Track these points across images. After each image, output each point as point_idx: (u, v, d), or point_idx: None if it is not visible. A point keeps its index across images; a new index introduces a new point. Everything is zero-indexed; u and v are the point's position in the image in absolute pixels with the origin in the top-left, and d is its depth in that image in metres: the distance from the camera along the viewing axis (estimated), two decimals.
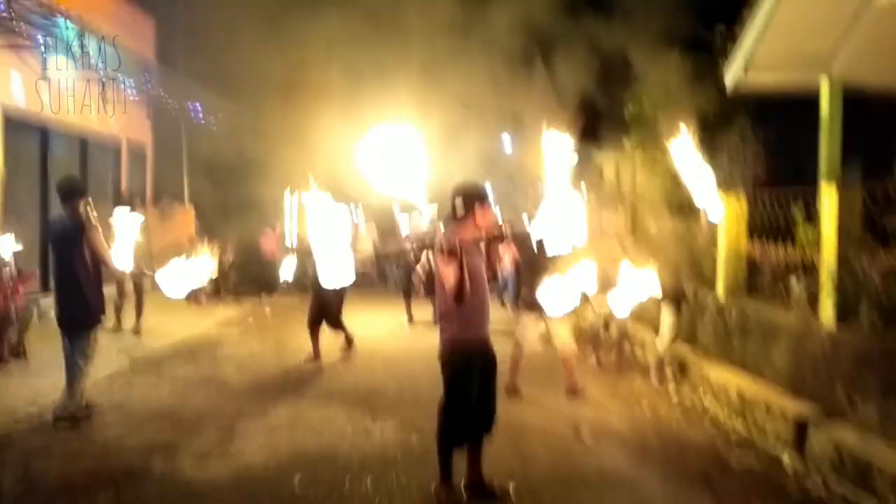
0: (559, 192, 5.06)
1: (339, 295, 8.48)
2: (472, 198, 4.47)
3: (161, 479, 4.75)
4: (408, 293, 11.65)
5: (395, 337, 10.51)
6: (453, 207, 4.46)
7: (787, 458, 5.26)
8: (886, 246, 5.89)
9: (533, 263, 6.32)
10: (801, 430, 5.34)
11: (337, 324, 8.81)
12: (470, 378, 4.38)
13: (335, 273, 7.20)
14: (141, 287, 9.86)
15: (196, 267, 6.34)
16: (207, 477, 4.79)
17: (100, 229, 5.85)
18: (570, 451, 5.44)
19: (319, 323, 8.61)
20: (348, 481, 4.73)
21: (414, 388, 7.18)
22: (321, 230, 7.11)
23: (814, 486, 4.75)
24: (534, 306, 6.37)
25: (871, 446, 4.73)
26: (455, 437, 4.42)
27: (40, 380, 6.92)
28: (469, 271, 4.22)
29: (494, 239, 4.51)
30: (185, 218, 14.26)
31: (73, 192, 5.88)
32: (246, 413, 6.28)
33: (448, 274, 4.22)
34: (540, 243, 5.39)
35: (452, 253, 4.19)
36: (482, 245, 4.49)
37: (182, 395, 6.93)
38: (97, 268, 5.86)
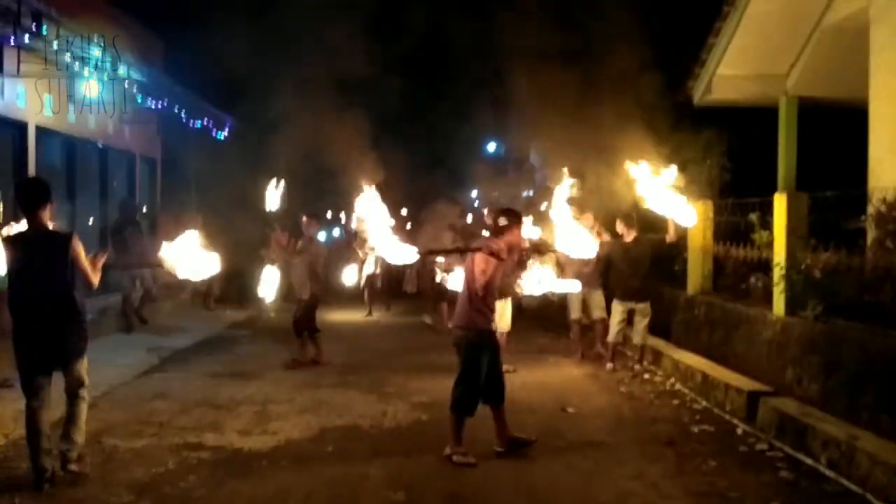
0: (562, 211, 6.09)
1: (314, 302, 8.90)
2: (512, 218, 5.58)
3: (215, 449, 5.65)
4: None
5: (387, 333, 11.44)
6: (496, 223, 5.63)
7: (739, 424, 6.24)
8: (839, 246, 6.74)
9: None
10: (752, 403, 6.33)
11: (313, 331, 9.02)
12: (482, 359, 5.39)
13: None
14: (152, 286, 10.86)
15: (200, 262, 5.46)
16: (253, 447, 5.71)
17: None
18: (556, 422, 6.41)
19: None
20: (373, 450, 5.66)
21: (418, 375, 8.18)
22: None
23: (760, 447, 5.71)
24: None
25: (807, 415, 5.71)
26: (468, 407, 5.43)
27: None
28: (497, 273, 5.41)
29: (531, 250, 5.84)
30: (193, 225, 15.07)
31: (44, 196, 4.92)
32: (274, 399, 7.18)
33: (486, 271, 5.35)
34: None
35: (494, 255, 5.29)
36: (514, 255, 5.68)
37: (214, 386, 7.81)
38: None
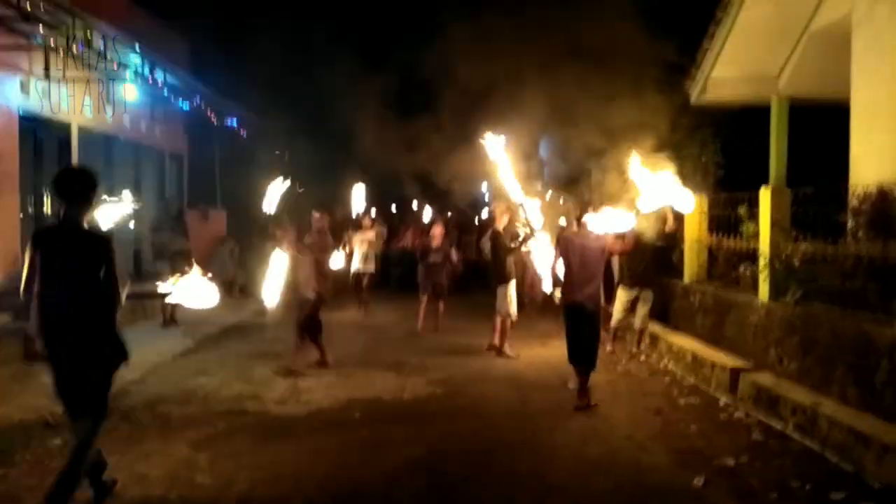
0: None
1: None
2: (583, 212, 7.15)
3: (256, 414, 6.44)
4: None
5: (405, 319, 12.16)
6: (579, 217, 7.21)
7: (722, 397, 6.95)
8: (823, 238, 7.32)
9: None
10: (734, 378, 7.03)
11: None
12: (574, 321, 6.91)
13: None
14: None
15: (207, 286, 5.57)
16: (291, 413, 6.49)
17: None
18: (558, 395, 7.15)
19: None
20: (395, 416, 6.41)
21: (433, 357, 8.93)
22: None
23: (738, 416, 6.42)
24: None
25: (779, 386, 6.42)
26: (571, 354, 6.94)
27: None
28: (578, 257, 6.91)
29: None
30: (218, 219, 15.92)
31: (90, 187, 4.31)
32: (306, 374, 7.95)
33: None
34: None
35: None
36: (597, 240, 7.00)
37: (247, 365, 8.58)
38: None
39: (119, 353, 4.32)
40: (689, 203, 8.83)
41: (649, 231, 9.47)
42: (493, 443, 5.72)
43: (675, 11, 11.96)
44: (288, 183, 8.70)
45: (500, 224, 9.54)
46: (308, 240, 8.77)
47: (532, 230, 8.65)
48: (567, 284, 7.03)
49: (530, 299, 12.83)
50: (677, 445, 5.59)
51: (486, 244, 10.13)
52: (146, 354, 8.73)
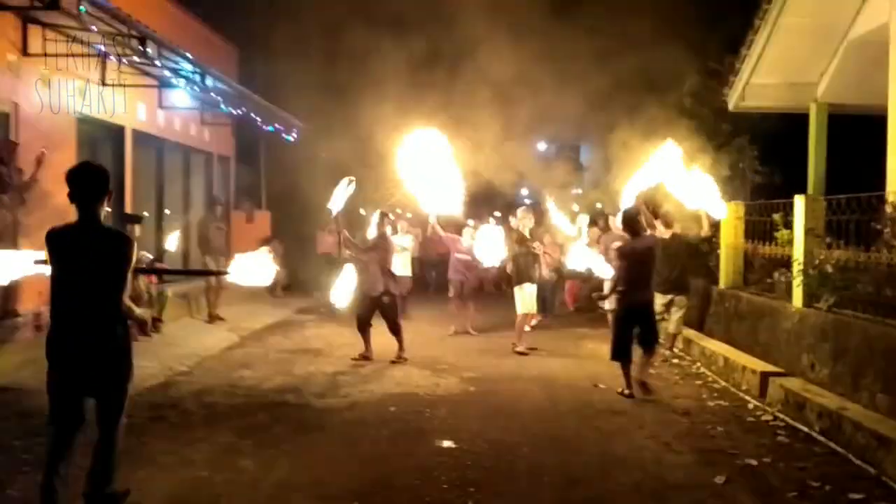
0: None
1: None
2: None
3: (297, 406, 6.76)
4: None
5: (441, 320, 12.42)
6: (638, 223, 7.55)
7: (751, 401, 7.04)
8: (858, 245, 7.37)
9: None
10: (763, 382, 7.12)
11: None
12: (632, 322, 7.38)
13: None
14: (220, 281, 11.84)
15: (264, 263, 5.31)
16: (329, 406, 6.79)
17: None
18: (588, 395, 7.33)
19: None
20: (429, 411, 6.67)
21: (468, 356, 9.16)
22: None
23: (765, 418, 6.52)
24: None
25: (807, 391, 6.49)
26: (619, 353, 7.37)
27: (180, 347, 9.03)
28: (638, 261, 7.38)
29: None
30: (263, 220, 16.37)
31: (103, 185, 4.11)
32: (343, 371, 8.28)
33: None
34: None
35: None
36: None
37: (288, 360, 8.92)
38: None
39: (124, 359, 4.11)
40: (721, 209, 8.97)
41: (686, 233, 9.60)
42: (521, 437, 5.92)
43: (714, 18, 12.06)
44: (353, 185, 8.64)
45: (522, 227, 9.85)
46: (372, 241, 9.05)
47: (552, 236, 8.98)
48: (629, 288, 7.39)
49: (562, 303, 13.00)
50: (702, 445, 5.73)
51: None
52: (193, 348, 9.17)
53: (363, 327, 8.91)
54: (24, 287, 8.18)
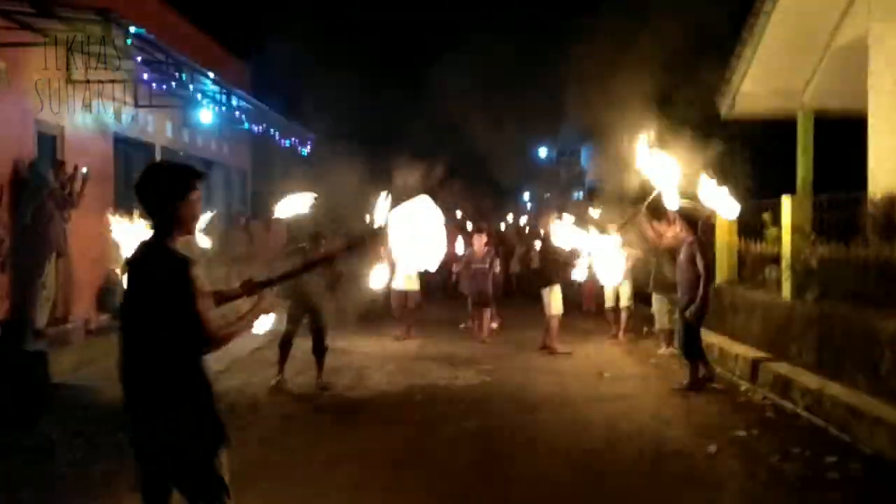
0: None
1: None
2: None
3: (330, 397, 7.49)
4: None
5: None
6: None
7: (743, 384, 7.71)
8: (840, 241, 7.92)
9: None
10: (754, 367, 7.79)
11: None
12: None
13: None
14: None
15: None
16: (358, 396, 7.50)
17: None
18: (594, 383, 8.03)
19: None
20: (449, 399, 7.37)
21: (482, 353, 9.87)
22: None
23: (755, 399, 7.19)
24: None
25: (793, 372, 7.17)
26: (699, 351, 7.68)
27: None
28: None
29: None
30: (280, 230, 17.08)
31: (170, 191, 3.02)
32: (368, 366, 8.98)
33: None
34: None
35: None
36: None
37: (313, 358, 9.56)
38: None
39: (210, 431, 3.04)
40: (734, 209, 9.54)
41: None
42: (535, 420, 6.61)
43: (707, 32, 12.73)
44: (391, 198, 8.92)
45: (548, 231, 10.41)
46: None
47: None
48: (708, 287, 7.66)
49: (587, 306, 13.49)
50: (697, 421, 6.41)
51: (535, 252, 10.90)
52: (224, 350, 9.74)
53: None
54: (75, 294, 8.94)
